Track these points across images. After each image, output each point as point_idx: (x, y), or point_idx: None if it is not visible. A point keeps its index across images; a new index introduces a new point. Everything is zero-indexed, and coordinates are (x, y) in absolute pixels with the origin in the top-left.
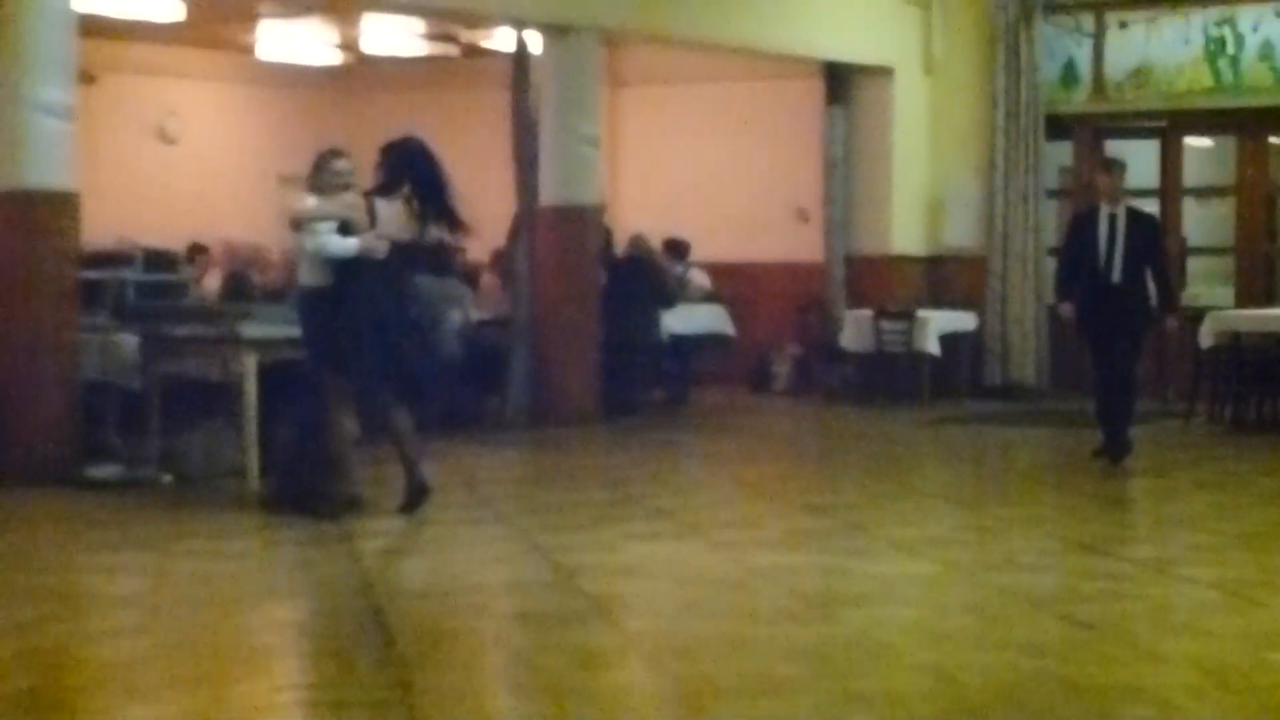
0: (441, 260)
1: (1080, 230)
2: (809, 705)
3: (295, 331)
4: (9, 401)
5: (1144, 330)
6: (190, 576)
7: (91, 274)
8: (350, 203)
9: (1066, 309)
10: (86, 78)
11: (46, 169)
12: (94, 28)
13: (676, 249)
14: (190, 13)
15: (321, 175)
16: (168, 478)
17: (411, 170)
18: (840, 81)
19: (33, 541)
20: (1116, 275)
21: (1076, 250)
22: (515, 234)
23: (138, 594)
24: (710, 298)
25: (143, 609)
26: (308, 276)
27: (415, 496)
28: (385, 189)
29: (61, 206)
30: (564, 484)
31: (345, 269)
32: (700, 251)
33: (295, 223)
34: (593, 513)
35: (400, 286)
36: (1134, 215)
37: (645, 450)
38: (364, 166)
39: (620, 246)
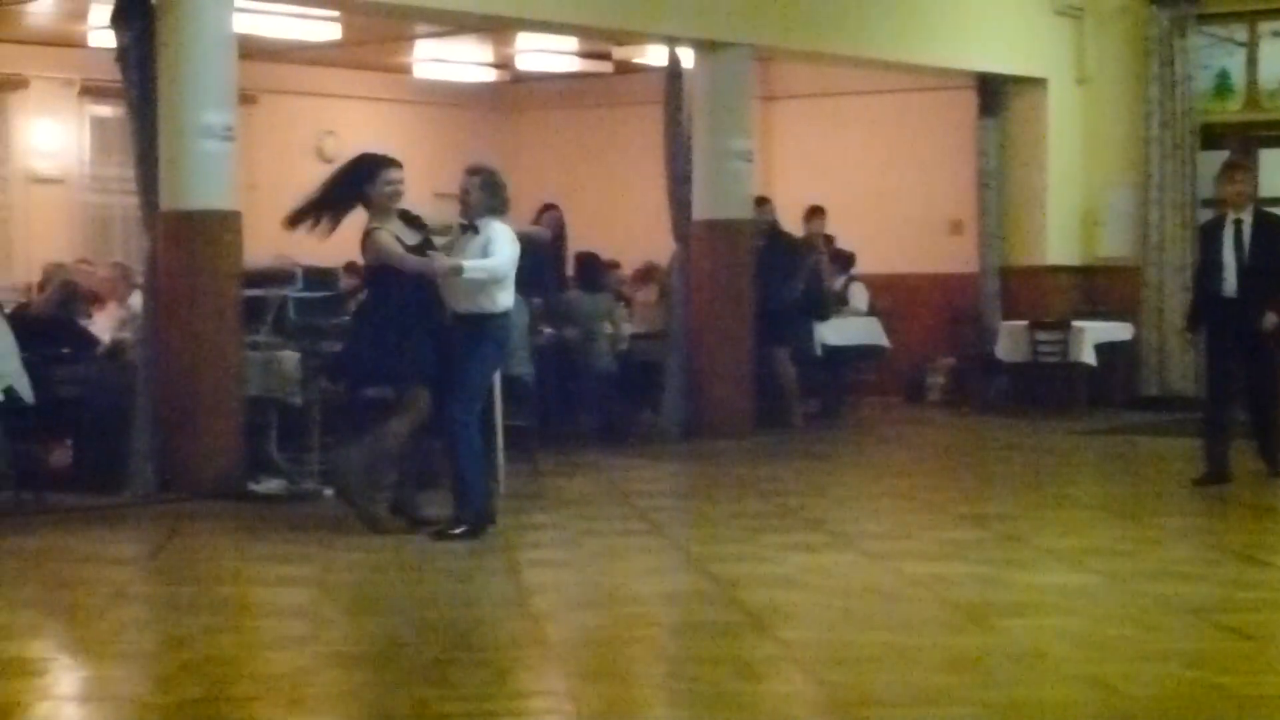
0: (594, 275)
1: (1205, 241)
2: (967, 715)
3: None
4: (176, 417)
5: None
6: (353, 588)
7: (253, 291)
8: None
9: (1194, 334)
10: (246, 99)
11: (209, 189)
12: (253, 50)
13: (841, 260)
14: (346, 34)
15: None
16: (329, 491)
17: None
18: (993, 93)
19: (199, 554)
20: (1233, 285)
21: (1201, 263)
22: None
23: (302, 605)
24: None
25: (307, 620)
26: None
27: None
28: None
29: (223, 225)
30: (719, 495)
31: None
32: (855, 263)
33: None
34: (748, 524)
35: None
36: (1261, 219)
37: (800, 461)
38: (523, 185)
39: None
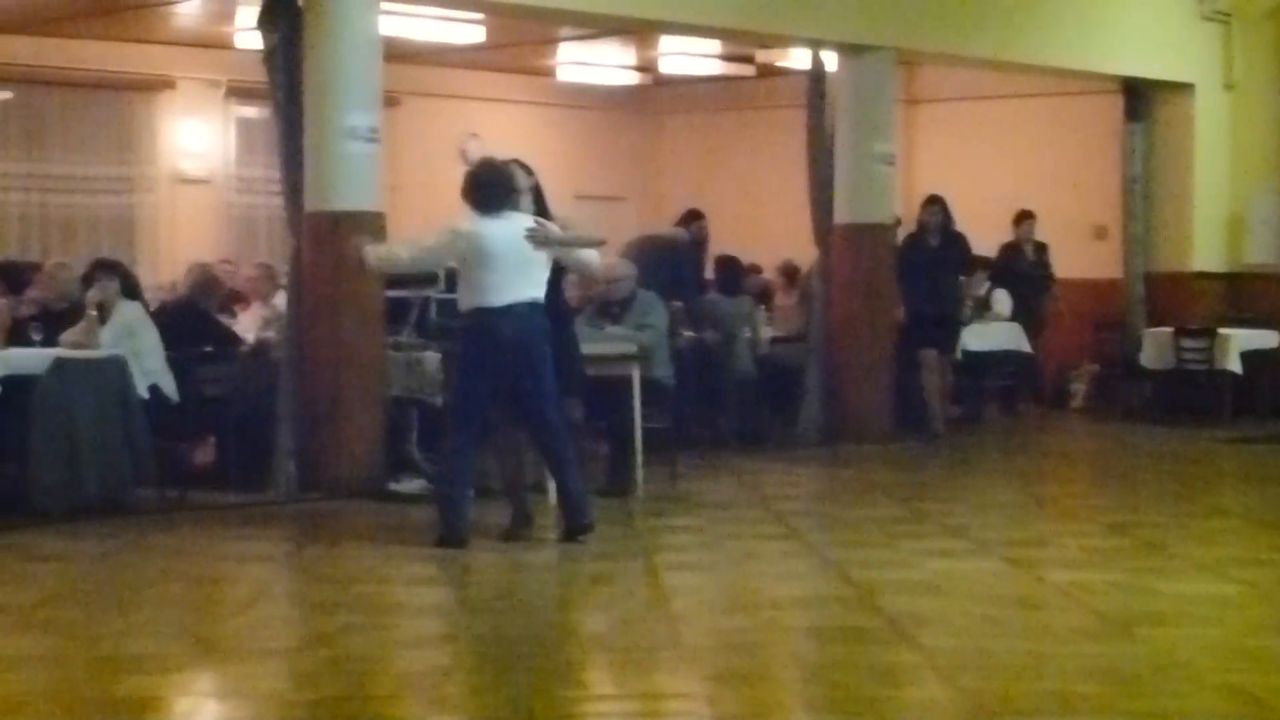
0: (734, 278)
1: None
2: None
3: (597, 349)
4: (319, 417)
5: None
6: (492, 588)
7: (396, 293)
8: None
9: None
10: (390, 101)
11: (354, 190)
12: (397, 52)
13: (986, 265)
14: (490, 36)
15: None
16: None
17: None
18: (1139, 98)
19: (340, 553)
20: None
21: None
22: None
23: (441, 604)
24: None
25: (446, 619)
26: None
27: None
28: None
29: (368, 227)
30: (858, 500)
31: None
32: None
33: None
34: (888, 529)
35: None
36: None
37: (940, 467)
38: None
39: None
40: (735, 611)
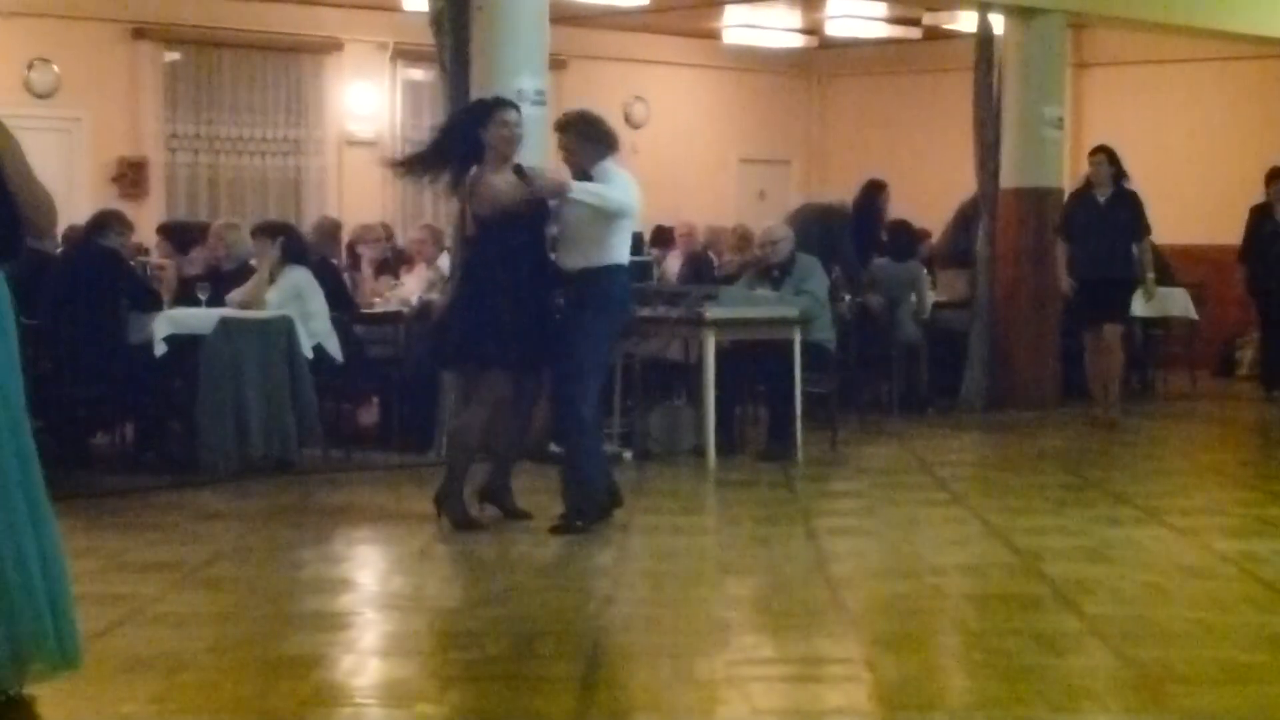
0: (904, 243)
1: None
2: (1275, 694)
3: (757, 312)
4: None
5: None
6: (652, 551)
7: None
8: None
9: None
10: (556, 64)
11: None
12: (564, 14)
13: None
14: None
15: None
16: (629, 454)
17: None
18: None
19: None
20: None
21: None
22: (962, 218)
23: (603, 567)
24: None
25: (609, 579)
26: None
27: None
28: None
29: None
30: (1022, 468)
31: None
32: (1165, 235)
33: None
34: (1052, 496)
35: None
36: None
37: (1106, 435)
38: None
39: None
40: (896, 577)
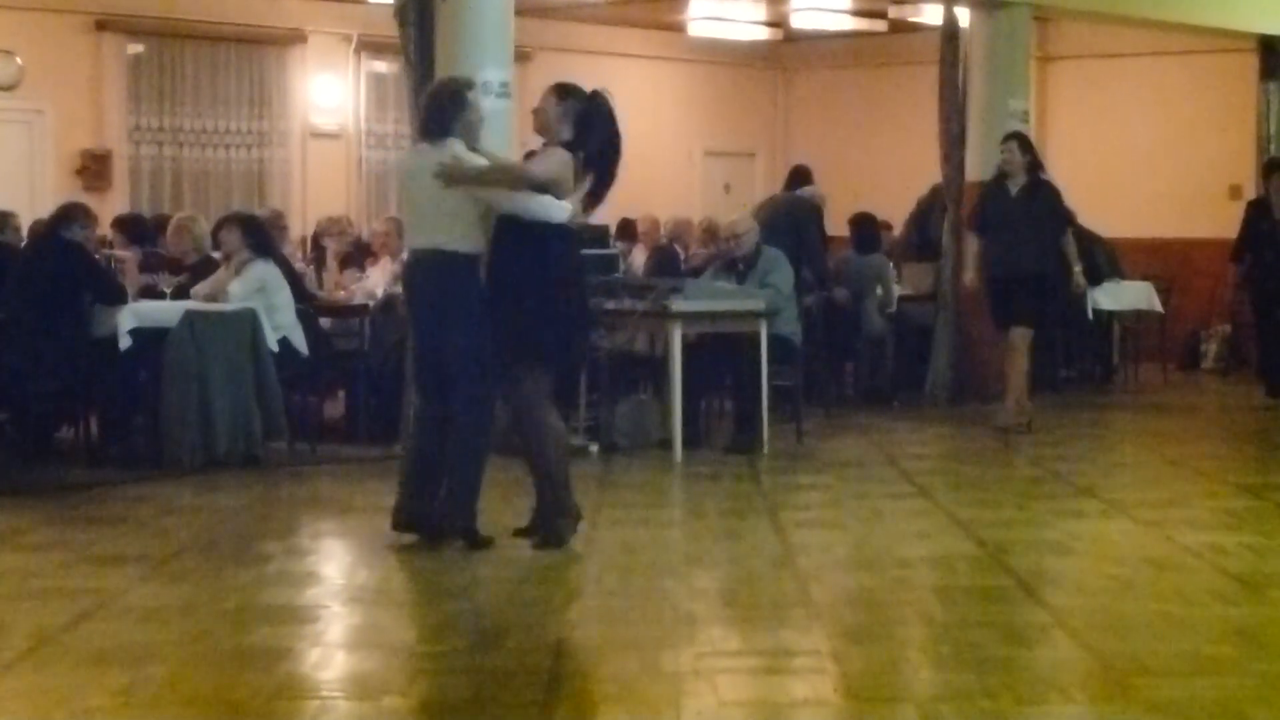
0: (869, 236)
1: None
2: (1239, 686)
3: (722, 305)
4: None
5: None
6: (619, 544)
7: None
8: (564, 160)
9: None
10: (521, 56)
11: (488, 145)
12: (529, 7)
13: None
14: None
15: (465, 113)
16: (595, 448)
17: (602, 132)
18: (1275, 55)
19: None
20: None
21: None
22: (919, 211)
23: (569, 559)
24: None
25: (574, 574)
26: (466, 241)
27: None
28: (569, 147)
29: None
30: (988, 460)
31: (526, 235)
32: (1130, 228)
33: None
34: (1017, 489)
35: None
36: None
37: (1070, 428)
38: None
39: None
40: (862, 569)
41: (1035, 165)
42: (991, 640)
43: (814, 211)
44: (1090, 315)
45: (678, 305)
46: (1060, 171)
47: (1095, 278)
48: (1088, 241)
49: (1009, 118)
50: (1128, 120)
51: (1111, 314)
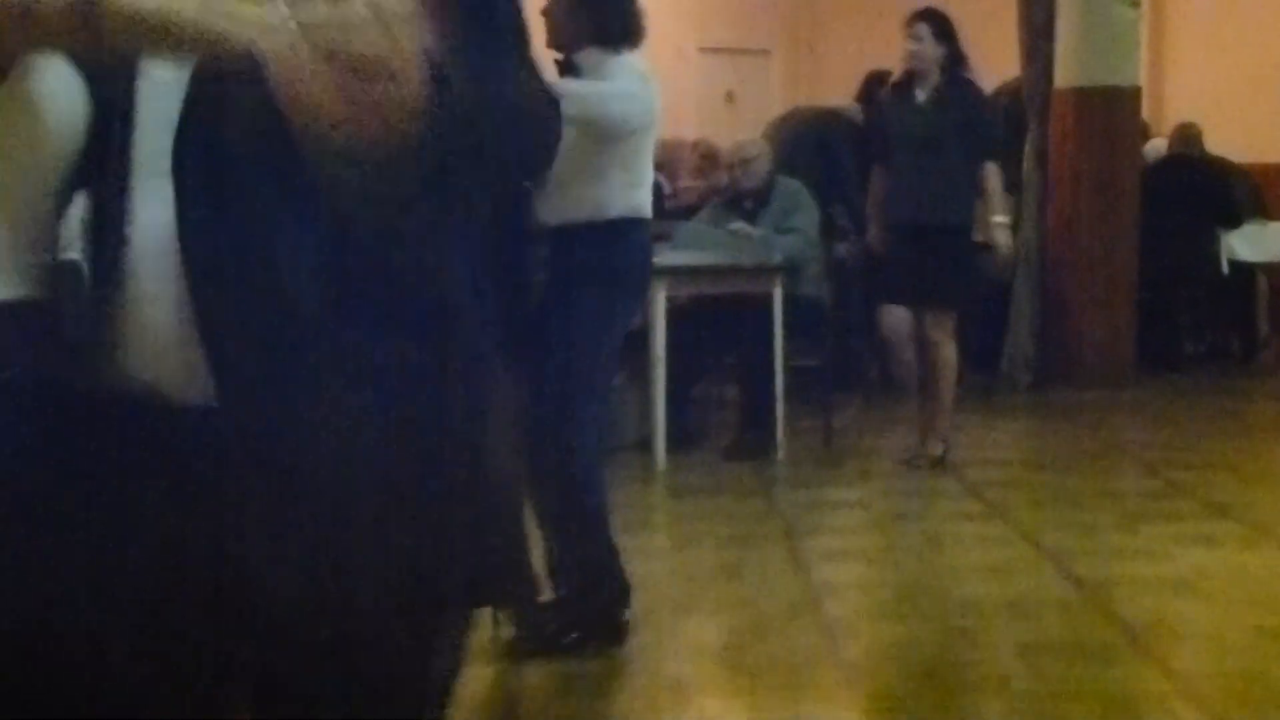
0: None
1: None
2: None
3: (723, 258)
4: None
5: None
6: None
7: None
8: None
9: None
10: None
11: None
12: None
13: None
14: None
15: None
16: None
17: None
18: None
19: None
20: None
21: None
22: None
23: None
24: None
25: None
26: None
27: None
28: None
29: None
30: (1084, 468)
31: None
32: (1266, 153)
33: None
34: (1125, 507)
35: None
36: None
37: (1197, 422)
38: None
39: (1161, 142)
40: (909, 618)
41: (955, 59)
42: (1090, 715)
43: (852, 131)
44: (1225, 269)
45: (663, 258)
46: (1181, 78)
47: (1232, 220)
48: (1217, 174)
49: (1115, 2)
50: (1265, 16)
51: (1254, 267)
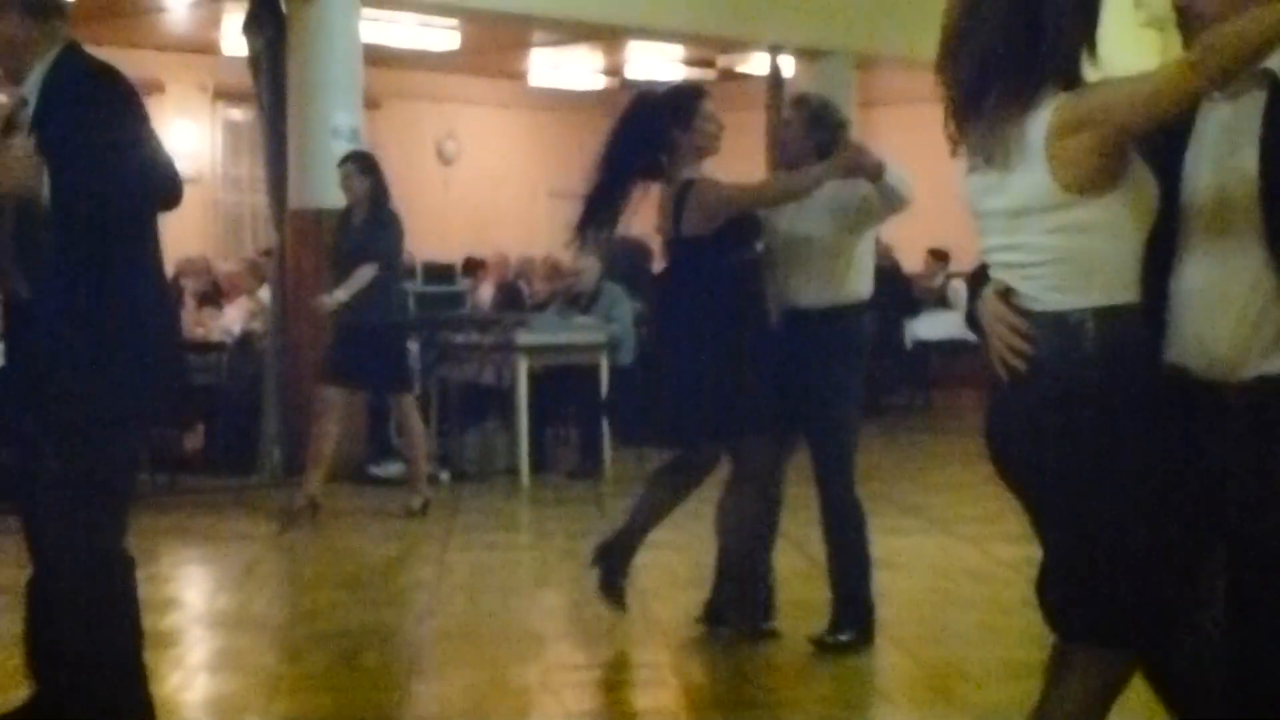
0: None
1: None
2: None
3: (563, 338)
4: (303, 404)
5: None
6: (469, 566)
7: None
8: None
9: None
10: (371, 104)
11: (337, 189)
12: (378, 57)
13: (939, 257)
14: (465, 42)
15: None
16: (445, 475)
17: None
18: None
19: (324, 533)
20: None
21: None
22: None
23: (422, 582)
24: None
25: (427, 595)
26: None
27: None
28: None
29: None
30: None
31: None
32: (961, 263)
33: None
34: None
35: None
36: None
37: (892, 451)
38: None
39: None
40: (702, 586)
41: (378, 191)
42: (822, 650)
43: (650, 253)
44: (908, 345)
45: (524, 338)
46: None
47: (912, 309)
48: (902, 277)
49: None
50: (948, 164)
51: (927, 343)
